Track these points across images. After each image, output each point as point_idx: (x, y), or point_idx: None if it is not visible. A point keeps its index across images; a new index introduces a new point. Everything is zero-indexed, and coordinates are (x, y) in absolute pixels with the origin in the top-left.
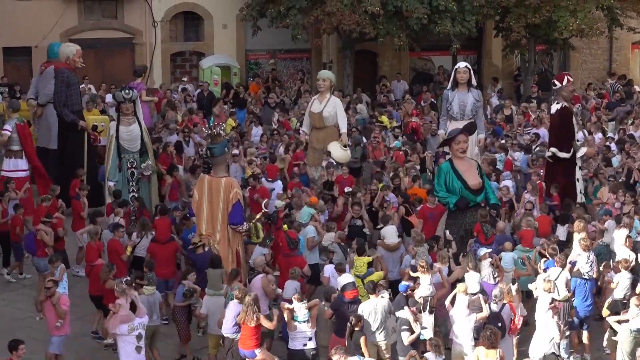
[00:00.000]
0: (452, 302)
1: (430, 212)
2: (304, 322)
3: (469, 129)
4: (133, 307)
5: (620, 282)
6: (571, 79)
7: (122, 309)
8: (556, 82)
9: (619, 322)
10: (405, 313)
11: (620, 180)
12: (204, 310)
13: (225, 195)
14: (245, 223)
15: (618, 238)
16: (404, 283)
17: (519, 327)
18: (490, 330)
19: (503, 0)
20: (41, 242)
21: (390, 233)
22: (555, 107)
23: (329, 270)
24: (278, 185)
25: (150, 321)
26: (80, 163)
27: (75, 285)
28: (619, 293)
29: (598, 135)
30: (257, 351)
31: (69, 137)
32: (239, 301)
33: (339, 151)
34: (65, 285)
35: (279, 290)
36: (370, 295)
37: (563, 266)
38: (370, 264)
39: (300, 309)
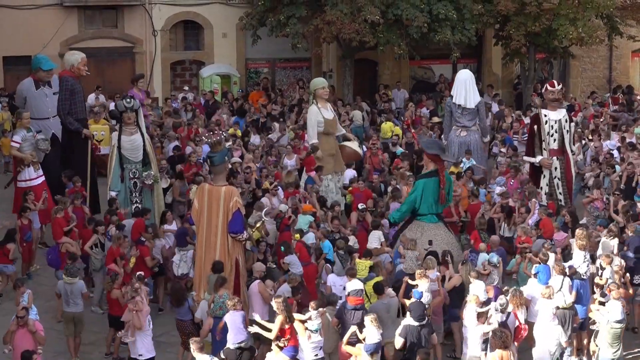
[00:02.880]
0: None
1: None
2: (317, 331)
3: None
4: None
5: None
6: (550, 87)
7: (144, 305)
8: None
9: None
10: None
11: (621, 187)
12: (199, 315)
13: (225, 203)
14: (245, 232)
15: (609, 246)
16: (416, 290)
17: (524, 335)
18: (500, 332)
19: (503, 8)
20: (65, 254)
21: (372, 238)
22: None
23: (330, 279)
24: None
25: (67, 308)
26: (84, 172)
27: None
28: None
29: (606, 142)
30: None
31: (74, 146)
32: (234, 310)
33: (357, 147)
34: (35, 310)
35: None
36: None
37: (563, 274)
38: (372, 269)
39: (316, 317)
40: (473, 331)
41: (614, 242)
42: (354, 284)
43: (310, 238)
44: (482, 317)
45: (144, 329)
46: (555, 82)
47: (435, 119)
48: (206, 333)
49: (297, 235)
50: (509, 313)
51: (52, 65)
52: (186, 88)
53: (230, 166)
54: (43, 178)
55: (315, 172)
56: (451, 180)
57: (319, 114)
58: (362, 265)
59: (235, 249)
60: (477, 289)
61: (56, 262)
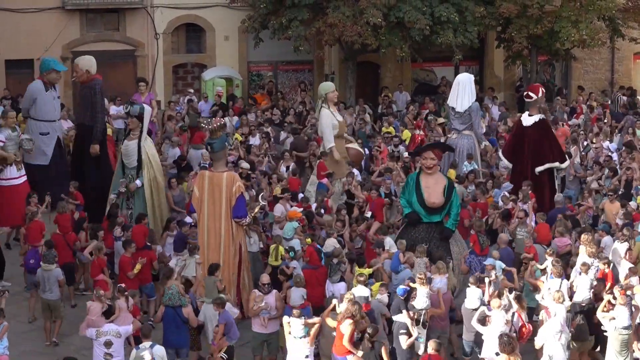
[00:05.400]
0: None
1: None
2: (300, 338)
3: (441, 147)
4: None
5: (580, 286)
6: (544, 91)
7: (90, 313)
8: (531, 94)
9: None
10: (403, 317)
11: (620, 191)
12: (201, 318)
13: (227, 189)
14: (247, 216)
15: (619, 251)
16: (402, 287)
17: (528, 335)
18: (507, 336)
19: (505, 11)
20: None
21: (392, 243)
22: (532, 120)
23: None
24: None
25: (44, 295)
26: (106, 175)
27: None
28: (580, 296)
29: (605, 144)
30: (349, 357)
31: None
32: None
33: (359, 147)
34: (6, 344)
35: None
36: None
37: (560, 276)
38: (370, 275)
39: (296, 324)
40: (494, 335)
41: (625, 246)
42: (360, 291)
43: (295, 245)
44: (489, 320)
45: (80, 332)
46: (530, 93)
47: (440, 119)
48: (159, 319)
49: (309, 240)
50: (514, 313)
51: (64, 68)
52: (191, 91)
53: (240, 171)
54: (25, 178)
55: (327, 178)
56: None
57: (332, 117)
58: (365, 273)
59: (239, 234)
60: (472, 296)
61: (34, 265)
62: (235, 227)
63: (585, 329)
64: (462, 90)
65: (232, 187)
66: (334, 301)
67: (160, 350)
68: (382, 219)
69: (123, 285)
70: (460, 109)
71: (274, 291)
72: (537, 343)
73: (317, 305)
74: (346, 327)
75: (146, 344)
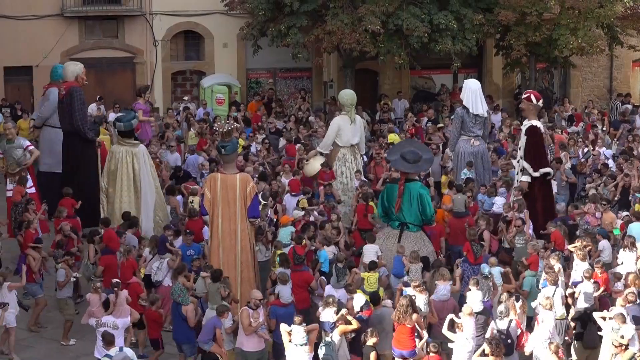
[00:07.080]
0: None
1: (430, 230)
2: (301, 345)
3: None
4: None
5: (584, 292)
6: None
7: (90, 304)
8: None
9: (603, 319)
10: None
11: (616, 198)
12: (204, 321)
13: (241, 190)
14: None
15: (628, 260)
16: (407, 289)
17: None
18: (495, 340)
19: (503, 18)
20: (29, 266)
21: (369, 252)
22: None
23: (327, 290)
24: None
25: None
26: (95, 180)
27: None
28: (582, 303)
29: (602, 150)
30: (417, 350)
31: (84, 155)
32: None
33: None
34: None
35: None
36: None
37: (555, 283)
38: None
39: (298, 332)
40: (466, 345)
41: (633, 255)
42: (360, 298)
43: None
44: (459, 327)
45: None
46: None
47: (440, 125)
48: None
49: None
50: (511, 320)
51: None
52: (186, 98)
53: None
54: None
55: (323, 187)
56: (418, 192)
57: None
58: (373, 278)
59: (253, 235)
60: (473, 299)
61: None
62: (250, 228)
63: (597, 337)
64: (481, 95)
65: (246, 188)
66: (344, 311)
67: (130, 352)
68: (363, 224)
69: (115, 280)
70: (485, 114)
71: (261, 307)
72: (527, 350)
73: (300, 308)
74: (415, 320)
75: (115, 349)
